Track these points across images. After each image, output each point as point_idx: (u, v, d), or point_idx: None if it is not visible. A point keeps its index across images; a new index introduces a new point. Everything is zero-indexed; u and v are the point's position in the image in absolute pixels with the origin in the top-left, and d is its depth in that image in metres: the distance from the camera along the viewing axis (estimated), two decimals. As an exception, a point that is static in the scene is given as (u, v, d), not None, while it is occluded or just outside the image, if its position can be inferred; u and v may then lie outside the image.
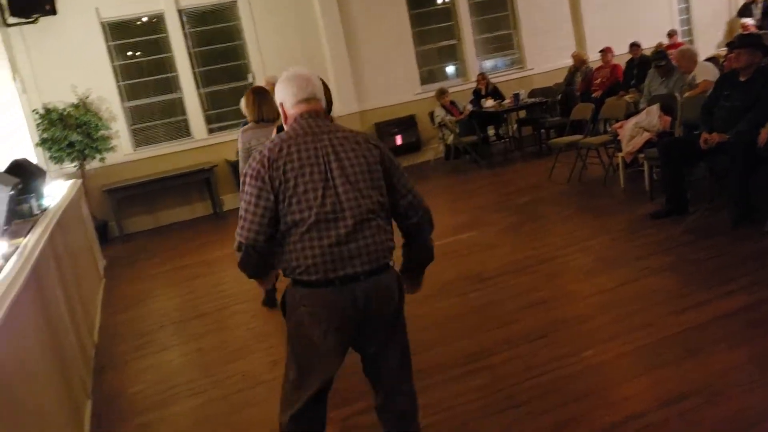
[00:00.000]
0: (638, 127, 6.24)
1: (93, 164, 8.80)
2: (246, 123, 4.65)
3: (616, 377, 3.22)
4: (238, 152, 4.60)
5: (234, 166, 8.55)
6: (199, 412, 3.55)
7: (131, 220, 9.23)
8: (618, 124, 6.70)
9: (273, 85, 7.18)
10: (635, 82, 9.03)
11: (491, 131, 10.51)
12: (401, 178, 2.33)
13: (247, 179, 2.20)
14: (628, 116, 6.75)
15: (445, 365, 3.53)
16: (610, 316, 3.83)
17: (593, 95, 9.41)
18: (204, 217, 9.44)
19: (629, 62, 9.71)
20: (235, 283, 5.57)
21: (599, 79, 9.79)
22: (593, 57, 10.32)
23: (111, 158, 8.94)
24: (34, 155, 7.71)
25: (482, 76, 10.38)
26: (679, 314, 3.67)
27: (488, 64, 11.38)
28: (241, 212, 2.22)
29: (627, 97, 8.10)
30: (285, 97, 2.32)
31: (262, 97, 4.52)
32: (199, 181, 9.34)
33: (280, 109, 2.36)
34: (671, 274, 4.32)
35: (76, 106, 8.65)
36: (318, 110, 2.30)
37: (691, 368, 3.09)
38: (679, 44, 10.44)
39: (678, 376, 3.05)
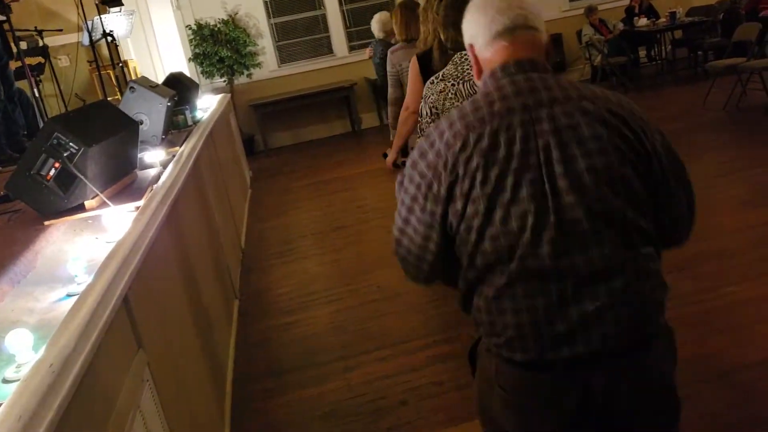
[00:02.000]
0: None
1: (240, 80, 9.22)
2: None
3: (761, 316, 3.05)
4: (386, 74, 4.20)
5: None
6: (336, 317, 3.78)
7: (274, 135, 9.64)
8: (790, 46, 6.09)
9: None
10: (815, -2, 8.06)
11: (642, 53, 9.91)
12: (679, 180, 1.42)
13: (409, 172, 1.41)
14: (803, 37, 6.11)
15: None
16: (761, 253, 3.60)
17: (761, 14, 8.51)
18: (341, 135, 9.66)
19: (810, -25, 8.63)
20: (372, 200, 5.74)
21: (772, -5, 8.83)
22: (767, -31, 9.27)
23: (257, 74, 9.32)
24: (186, 69, 8.18)
25: (636, -7, 9.67)
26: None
27: (643, -21, 10.53)
28: (399, 222, 1.44)
29: (803, 15, 7.27)
30: (476, 34, 1.42)
31: (413, 12, 4.30)
32: (339, 99, 9.53)
33: (470, 55, 1.47)
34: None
35: (225, 22, 9.03)
36: (532, 56, 1.39)
37: None
38: None
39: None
